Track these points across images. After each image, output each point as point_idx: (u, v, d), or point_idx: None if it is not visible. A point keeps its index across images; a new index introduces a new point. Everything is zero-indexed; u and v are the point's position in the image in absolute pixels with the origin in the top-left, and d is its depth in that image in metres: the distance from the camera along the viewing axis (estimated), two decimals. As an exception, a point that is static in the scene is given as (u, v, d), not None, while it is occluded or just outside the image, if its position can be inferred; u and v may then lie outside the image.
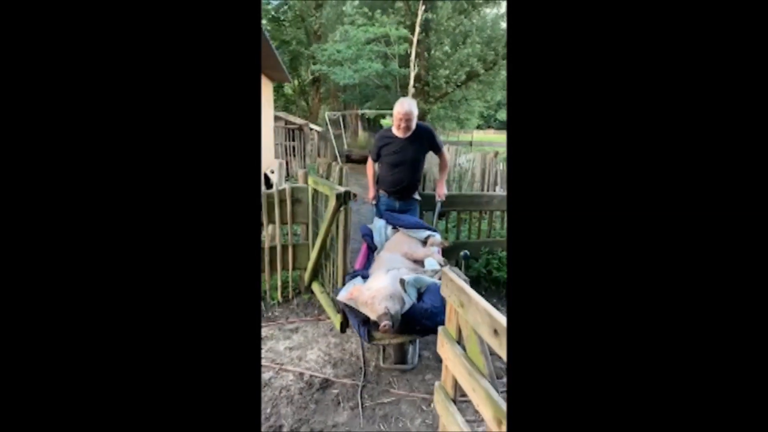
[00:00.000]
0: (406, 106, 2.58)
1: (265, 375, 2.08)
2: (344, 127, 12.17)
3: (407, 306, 1.83)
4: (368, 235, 2.66)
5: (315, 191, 2.74)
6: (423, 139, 2.70)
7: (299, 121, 9.38)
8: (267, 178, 6.33)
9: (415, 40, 10.69)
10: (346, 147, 10.78)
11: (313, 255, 2.70)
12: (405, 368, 2.16)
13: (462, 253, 2.73)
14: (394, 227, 2.68)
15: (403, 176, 2.71)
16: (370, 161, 2.93)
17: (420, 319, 1.81)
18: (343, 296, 1.96)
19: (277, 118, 9.00)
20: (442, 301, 1.73)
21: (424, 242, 2.55)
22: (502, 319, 0.94)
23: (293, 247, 2.87)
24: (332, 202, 2.25)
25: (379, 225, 2.72)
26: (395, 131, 2.67)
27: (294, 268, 2.93)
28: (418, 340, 2.23)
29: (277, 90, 15.03)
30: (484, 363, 1.09)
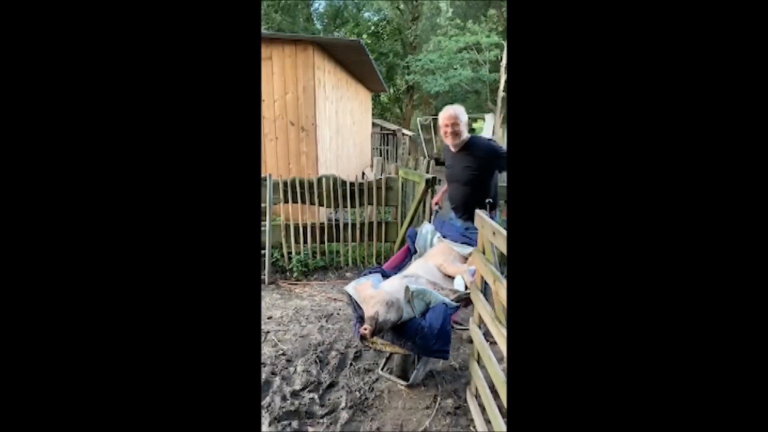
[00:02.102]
0: (451, 110, 2.36)
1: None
2: (434, 131, 12.87)
3: (405, 317, 1.76)
4: (411, 238, 2.53)
5: (404, 180, 3.53)
6: (477, 155, 2.36)
7: (393, 126, 10.40)
8: (364, 175, 7.41)
9: (506, 45, 10.98)
10: (435, 150, 11.47)
11: (401, 230, 3.47)
12: (399, 382, 2.01)
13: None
14: (442, 236, 2.46)
15: (456, 193, 2.49)
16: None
17: (412, 336, 1.73)
18: (350, 287, 1.94)
19: (373, 125, 10.10)
20: (444, 325, 1.75)
21: (466, 259, 2.25)
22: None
23: (386, 224, 3.69)
24: (421, 186, 2.99)
25: (425, 230, 2.54)
26: (447, 142, 2.45)
27: (386, 240, 3.74)
28: (431, 364, 2.13)
29: (375, 99, 16.33)
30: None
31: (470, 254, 2.20)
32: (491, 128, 11.37)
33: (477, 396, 1.72)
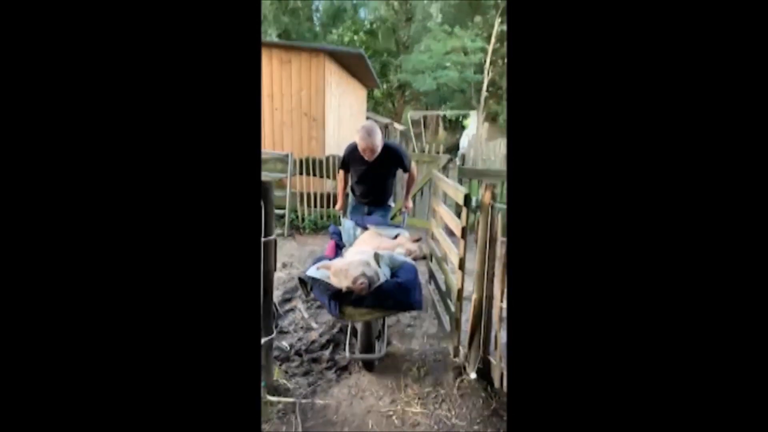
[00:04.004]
0: (368, 140, 2.44)
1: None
2: (425, 126, 13.99)
3: (381, 280, 1.80)
4: (336, 233, 2.60)
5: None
6: (389, 162, 2.65)
7: (385, 120, 11.48)
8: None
9: (490, 50, 12.15)
10: (424, 144, 12.61)
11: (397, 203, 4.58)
12: (372, 358, 2.04)
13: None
14: (364, 228, 2.54)
15: (371, 191, 2.78)
16: (340, 172, 2.91)
17: (393, 293, 1.77)
18: (312, 270, 1.93)
19: (367, 118, 11.17)
20: (416, 279, 1.86)
21: (394, 239, 2.42)
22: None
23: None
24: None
25: (347, 225, 2.62)
26: (366, 157, 2.56)
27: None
28: (386, 332, 2.23)
29: (369, 94, 17.36)
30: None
31: (397, 235, 2.42)
32: (476, 124, 12.58)
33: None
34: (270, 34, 11.95)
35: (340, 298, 1.79)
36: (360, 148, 2.50)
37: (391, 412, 1.83)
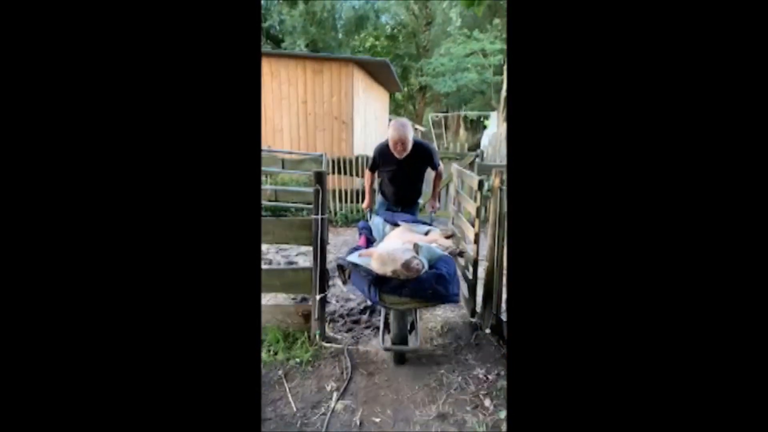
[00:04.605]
0: (401, 131, 2.47)
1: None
2: (445, 127, 14.38)
3: (424, 268, 1.83)
4: (366, 228, 2.63)
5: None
6: (420, 159, 2.67)
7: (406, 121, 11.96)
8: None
9: (506, 46, 12.47)
10: (446, 143, 13.02)
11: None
12: (405, 350, 2.10)
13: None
14: (393, 225, 2.54)
15: (402, 191, 2.79)
16: (367, 172, 2.95)
17: (433, 283, 1.80)
18: (352, 257, 1.97)
19: (389, 120, 11.69)
20: (456, 272, 1.87)
21: (425, 235, 2.41)
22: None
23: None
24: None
25: (377, 221, 2.62)
26: (397, 155, 2.58)
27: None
28: (419, 326, 2.27)
29: (390, 97, 17.90)
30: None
31: (428, 232, 2.40)
32: (496, 124, 12.89)
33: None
34: (299, 44, 12.64)
35: (379, 285, 1.83)
36: (392, 140, 2.51)
37: (420, 356, 2.29)
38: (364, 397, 1.91)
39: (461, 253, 2.57)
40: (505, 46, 12.68)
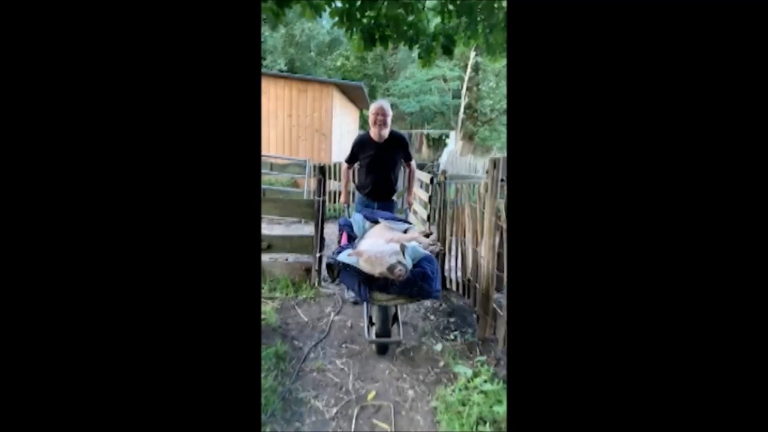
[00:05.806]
0: (381, 103, 2.71)
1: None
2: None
3: (409, 267, 1.92)
4: (347, 225, 2.67)
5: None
6: (397, 146, 2.84)
7: (375, 137, 13.12)
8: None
9: (466, 78, 14.07)
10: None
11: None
12: (389, 341, 2.23)
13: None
14: (373, 222, 2.63)
15: (380, 178, 2.89)
16: (344, 166, 3.07)
17: (418, 281, 1.92)
18: (342, 256, 2.05)
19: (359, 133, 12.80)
20: (437, 270, 2.03)
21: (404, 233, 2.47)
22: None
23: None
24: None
25: (357, 218, 2.70)
26: (372, 134, 2.75)
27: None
28: (400, 319, 2.40)
29: (360, 113, 19.14)
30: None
31: (407, 230, 2.51)
32: (453, 142, 14.35)
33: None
34: (279, 63, 13.62)
35: (369, 283, 1.94)
36: (373, 113, 2.74)
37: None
38: (353, 314, 2.90)
39: (441, 251, 2.88)
40: (462, 74, 14.29)
